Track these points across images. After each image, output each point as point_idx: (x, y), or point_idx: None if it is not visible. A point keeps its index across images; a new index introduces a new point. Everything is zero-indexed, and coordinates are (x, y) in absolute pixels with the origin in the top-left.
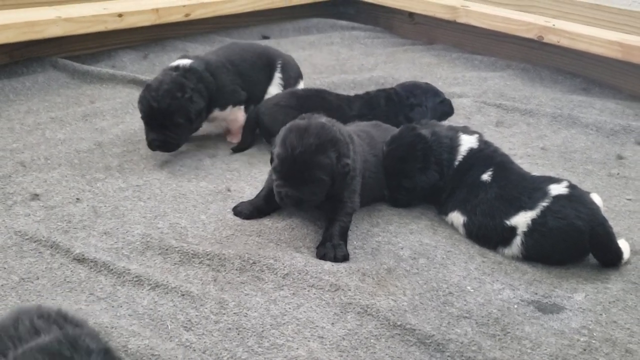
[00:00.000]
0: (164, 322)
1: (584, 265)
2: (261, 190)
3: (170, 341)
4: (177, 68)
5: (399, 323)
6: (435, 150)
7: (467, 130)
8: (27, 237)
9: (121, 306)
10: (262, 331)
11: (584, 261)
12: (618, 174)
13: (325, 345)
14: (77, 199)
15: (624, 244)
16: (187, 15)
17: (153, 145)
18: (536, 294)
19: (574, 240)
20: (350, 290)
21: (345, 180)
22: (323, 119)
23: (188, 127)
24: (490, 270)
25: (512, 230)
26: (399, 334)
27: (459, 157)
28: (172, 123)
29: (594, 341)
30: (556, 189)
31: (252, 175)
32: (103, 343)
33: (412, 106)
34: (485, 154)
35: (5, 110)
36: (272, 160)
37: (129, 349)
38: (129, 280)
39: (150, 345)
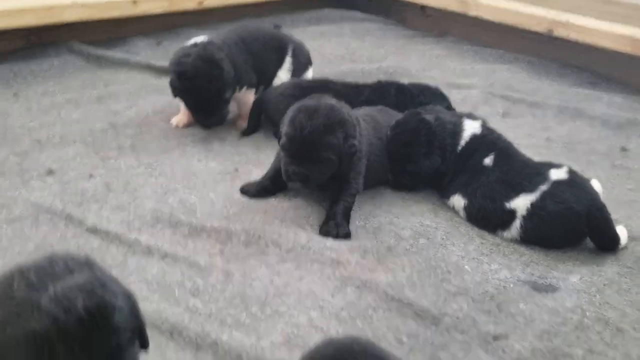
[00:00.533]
0: (172, 289)
1: (581, 249)
2: (268, 171)
3: (178, 306)
4: (195, 45)
5: (396, 297)
6: (439, 135)
7: (471, 116)
8: (42, 209)
9: (132, 274)
10: (265, 299)
11: (582, 245)
12: (621, 165)
13: (325, 314)
14: (91, 174)
15: (621, 230)
16: (200, 2)
17: (211, 126)
18: (532, 274)
19: (572, 224)
20: (350, 265)
21: (351, 161)
22: (332, 101)
23: (229, 95)
24: (489, 251)
25: (512, 213)
26: (396, 307)
27: (462, 142)
28: (221, 101)
29: (586, 320)
30: (556, 174)
31: (259, 158)
32: (124, 287)
33: (421, 105)
34: (488, 140)
35: (23, 91)
36: (280, 139)
37: None
38: (140, 251)
39: (158, 309)
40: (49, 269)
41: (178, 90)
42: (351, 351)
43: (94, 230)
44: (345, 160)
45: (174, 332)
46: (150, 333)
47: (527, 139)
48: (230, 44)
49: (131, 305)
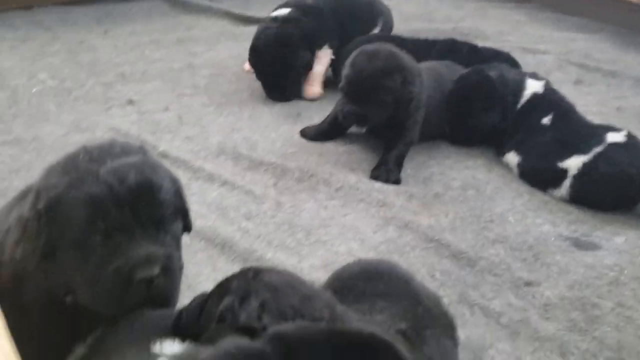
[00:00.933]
0: (228, 212)
1: (633, 213)
2: (327, 117)
3: (231, 226)
4: (276, 19)
5: (436, 238)
6: (501, 92)
7: (534, 76)
8: (120, 133)
9: (194, 195)
10: (311, 229)
11: (634, 210)
12: None
13: (364, 247)
14: (166, 108)
15: None
16: None
17: (275, 100)
18: (576, 232)
19: (623, 187)
20: (395, 207)
21: (408, 107)
22: (393, 47)
23: (300, 76)
24: (536, 207)
25: (563, 172)
26: (434, 247)
27: (523, 100)
28: (290, 82)
29: (622, 277)
30: (613, 137)
31: (321, 105)
32: (172, 174)
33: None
34: (549, 100)
35: (113, 30)
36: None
37: (196, 226)
38: (202, 176)
39: (214, 226)
40: (109, 150)
41: (250, 61)
42: (377, 269)
43: (164, 156)
44: (402, 106)
45: (225, 247)
46: (204, 246)
47: (597, 107)
48: (318, 14)
49: (176, 189)
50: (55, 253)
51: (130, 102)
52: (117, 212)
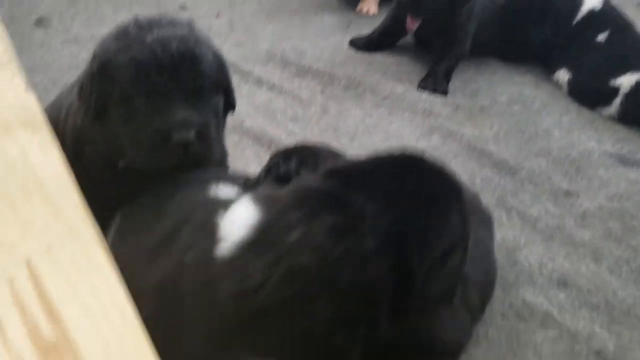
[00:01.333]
0: (275, 114)
1: None
2: (378, 26)
3: (278, 127)
4: None
5: (479, 148)
6: (555, 6)
7: None
8: None
9: (243, 98)
10: (355, 134)
11: None
12: None
13: None
14: (218, 14)
15: None
16: None
17: None
18: (622, 149)
19: None
20: (441, 117)
21: (463, 7)
22: None
23: None
24: (582, 124)
25: (615, 90)
26: (477, 156)
27: (579, 16)
28: None
29: None
30: None
31: (372, 17)
32: (217, 50)
33: None
34: (607, 17)
35: None
36: None
37: (245, 125)
38: (251, 80)
39: (261, 126)
40: (157, 21)
41: None
42: (416, 155)
43: None
44: (458, 3)
45: (272, 146)
46: (252, 143)
47: None
48: None
49: (219, 64)
50: (105, 113)
51: (183, 7)
52: (158, 77)
